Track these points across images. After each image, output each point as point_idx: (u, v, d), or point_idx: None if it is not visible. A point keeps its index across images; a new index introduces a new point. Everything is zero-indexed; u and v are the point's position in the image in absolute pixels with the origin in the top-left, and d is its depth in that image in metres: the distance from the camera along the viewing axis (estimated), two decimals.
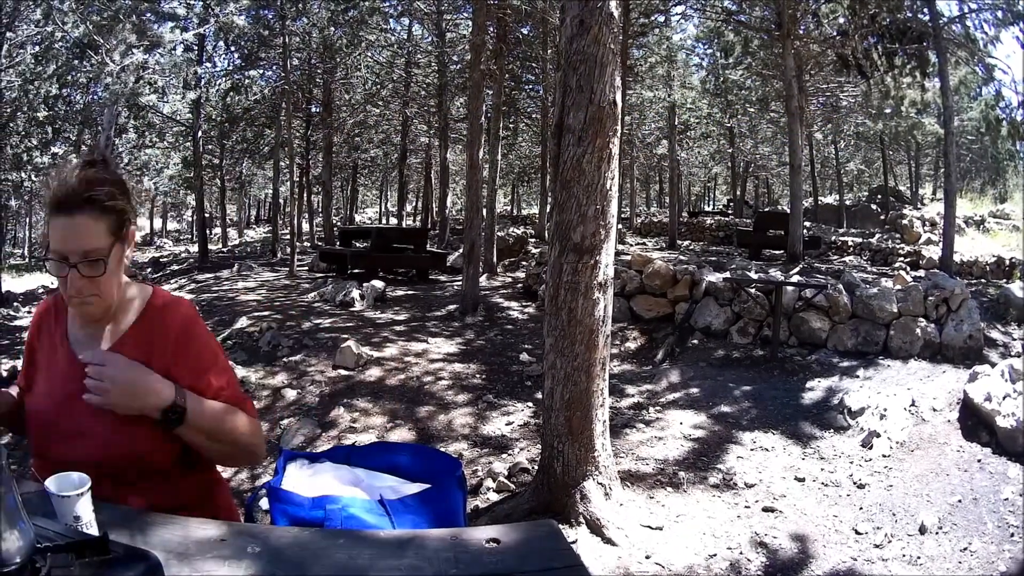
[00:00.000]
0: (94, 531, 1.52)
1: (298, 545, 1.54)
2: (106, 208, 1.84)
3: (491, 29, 16.35)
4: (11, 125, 22.33)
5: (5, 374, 11.59)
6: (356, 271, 17.05)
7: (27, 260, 41.47)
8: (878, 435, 6.52)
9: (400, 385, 8.75)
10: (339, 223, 35.89)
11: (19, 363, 12.65)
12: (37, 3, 17.68)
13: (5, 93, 20.64)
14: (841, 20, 16.95)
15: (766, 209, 36.30)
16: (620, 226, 18.69)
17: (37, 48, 19.85)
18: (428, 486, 2.75)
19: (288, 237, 23.11)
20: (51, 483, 1.50)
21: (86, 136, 25.33)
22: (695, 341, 9.97)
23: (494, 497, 5.89)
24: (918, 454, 6.17)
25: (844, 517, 5.25)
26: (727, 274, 10.76)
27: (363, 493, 2.70)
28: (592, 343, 5.10)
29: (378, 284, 14.24)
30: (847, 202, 36.56)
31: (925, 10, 16.06)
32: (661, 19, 23.20)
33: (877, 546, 4.81)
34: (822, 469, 6.14)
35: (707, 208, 56.92)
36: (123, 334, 1.95)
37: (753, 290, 9.85)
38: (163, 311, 1.98)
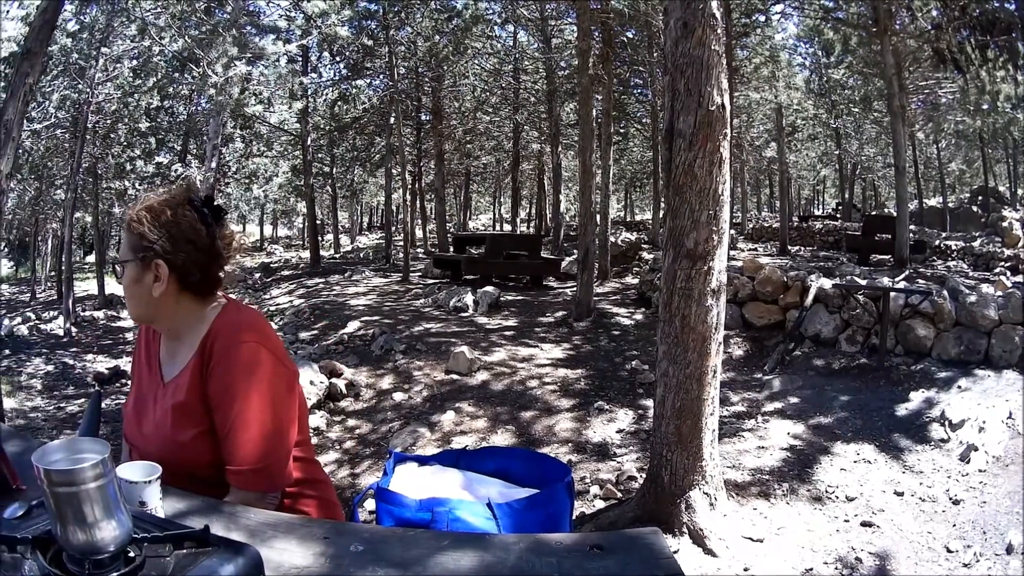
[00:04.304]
0: (161, 516, 1.59)
1: (402, 545, 1.51)
2: (128, 227, 2.03)
3: (596, 34, 16.27)
4: (112, 136, 23.16)
5: (107, 373, 12.04)
6: (470, 277, 17.19)
7: None
8: (976, 449, 6.28)
9: (506, 389, 8.77)
10: (452, 229, 36.28)
11: (121, 363, 13.13)
12: (131, 19, 18.27)
13: (104, 106, 21.40)
14: (934, 13, 16.40)
15: (873, 213, 35.51)
16: (732, 231, 18.39)
17: (135, 62, 20.55)
18: (536, 491, 2.72)
19: (402, 243, 23.43)
20: (122, 469, 1.55)
21: (191, 146, 26.14)
22: (804, 349, 9.72)
23: (599, 504, 5.85)
24: (1012, 469, 5.95)
25: (938, 534, 5.13)
26: (836, 280, 10.44)
27: (471, 496, 2.68)
28: (704, 350, 4.99)
29: (492, 290, 14.31)
30: (950, 204, 35.41)
31: None
32: (762, 19, 22.83)
33: (965, 565, 4.71)
34: (921, 483, 5.97)
35: (816, 212, 55.74)
36: (189, 358, 2.05)
37: (861, 297, 9.55)
38: (217, 338, 2.03)
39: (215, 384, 1.96)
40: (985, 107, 24.35)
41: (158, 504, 1.59)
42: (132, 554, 1.27)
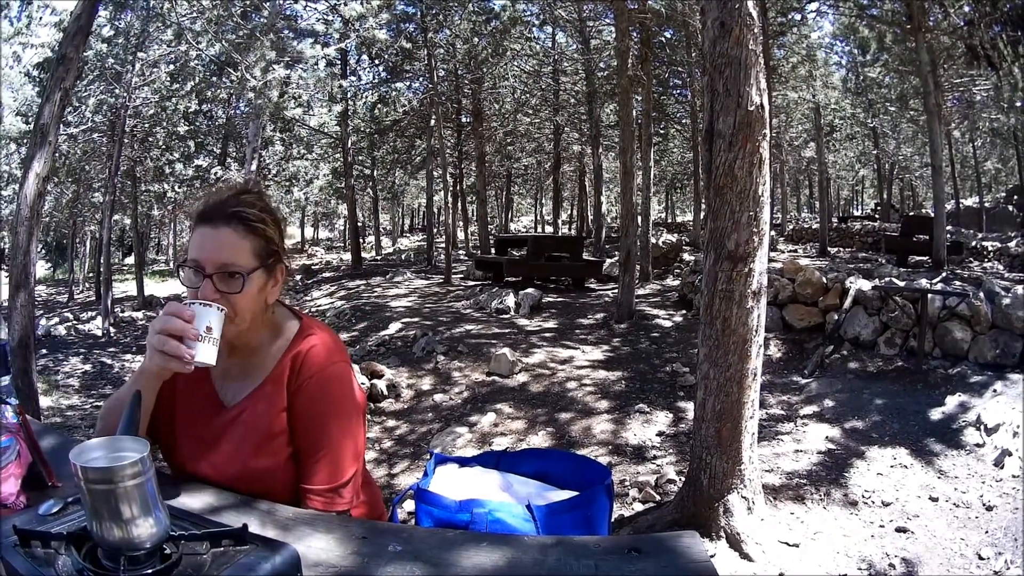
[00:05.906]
0: (215, 348, 1.64)
1: (440, 546, 1.51)
2: (252, 228, 1.81)
3: (634, 34, 16.20)
4: (150, 139, 23.45)
5: None
6: (511, 279, 17.25)
7: (170, 266, 43.75)
8: (1010, 454, 6.21)
9: (545, 391, 8.77)
10: (494, 231, 36.34)
11: None
12: (167, 25, 18.47)
13: (142, 109, 21.64)
14: (966, 9, 16.16)
15: (911, 213, 35.16)
16: (772, 233, 18.27)
17: (172, 66, 20.81)
18: (576, 493, 2.70)
19: (444, 246, 23.51)
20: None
21: (230, 149, 26.37)
22: (844, 352, 9.61)
23: (638, 506, 5.84)
24: None
25: (970, 540, 5.07)
26: (875, 282, 10.30)
27: (511, 498, 2.67)
28: (745, 353, 4.95)
29: (533, 292, 14.34)
30: (986, 204, 34.89)
31: None
32: (798, 17, 22.64)
33: (996, 572, 4.67)
34: (955, 488, 5.90)
35: (856, 212, 55.27)
36: (265, 378, 1.91)
37: (900, 299, 9.42)
38: (310, 356, 1.90)
39: (305, 403, 1.87)
40: (1018, 104, 24.02)
41: (219, 335, 1.65)
42: (168, 551, 1.27)
